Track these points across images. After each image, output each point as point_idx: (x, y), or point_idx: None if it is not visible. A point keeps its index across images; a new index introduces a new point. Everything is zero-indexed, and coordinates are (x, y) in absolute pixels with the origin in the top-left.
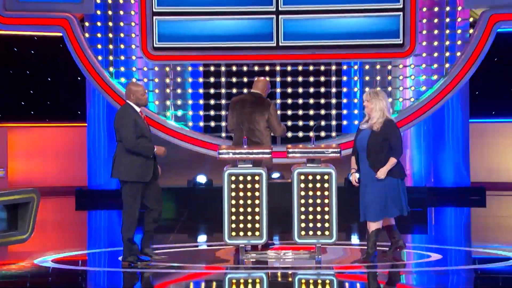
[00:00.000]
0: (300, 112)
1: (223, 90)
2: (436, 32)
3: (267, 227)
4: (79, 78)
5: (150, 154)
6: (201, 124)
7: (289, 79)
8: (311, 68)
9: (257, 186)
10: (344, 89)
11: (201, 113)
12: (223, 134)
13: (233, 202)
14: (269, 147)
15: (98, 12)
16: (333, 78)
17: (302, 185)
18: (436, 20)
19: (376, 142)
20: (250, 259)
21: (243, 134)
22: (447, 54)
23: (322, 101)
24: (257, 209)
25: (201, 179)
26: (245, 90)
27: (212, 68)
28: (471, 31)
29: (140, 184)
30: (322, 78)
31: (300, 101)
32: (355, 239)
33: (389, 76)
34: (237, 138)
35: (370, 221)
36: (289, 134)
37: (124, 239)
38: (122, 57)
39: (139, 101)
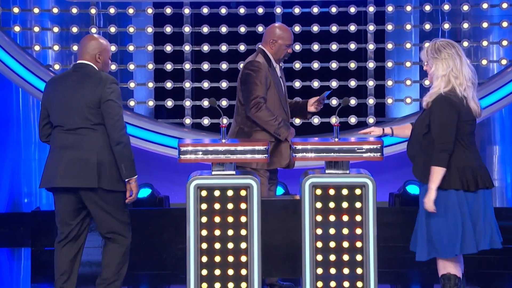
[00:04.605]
0: (316, 84)
1: (187, 47)
2: None
3: (260, 273)
4: None
5: None
6: (150, 103)
7: (296, 28)
8: (333, 9)
9: (243, 206)
10: (389, 45)
11: (150, 85)
12: (188, 121)
13: (204, 233)
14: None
15: None
16: (371, 27)
17: (319, 205)
18: None
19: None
20: None
21: (283, 109)
22: None
23: (352, 65)
24: (243, 245)
25: (146, 193)
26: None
27: (168, 10)
28: None
29: None
30: (352, 28)
31: (316, 65)
32: None
33: (465, 23)
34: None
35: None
36: (297, 121)
37: None
38: None
39: None
